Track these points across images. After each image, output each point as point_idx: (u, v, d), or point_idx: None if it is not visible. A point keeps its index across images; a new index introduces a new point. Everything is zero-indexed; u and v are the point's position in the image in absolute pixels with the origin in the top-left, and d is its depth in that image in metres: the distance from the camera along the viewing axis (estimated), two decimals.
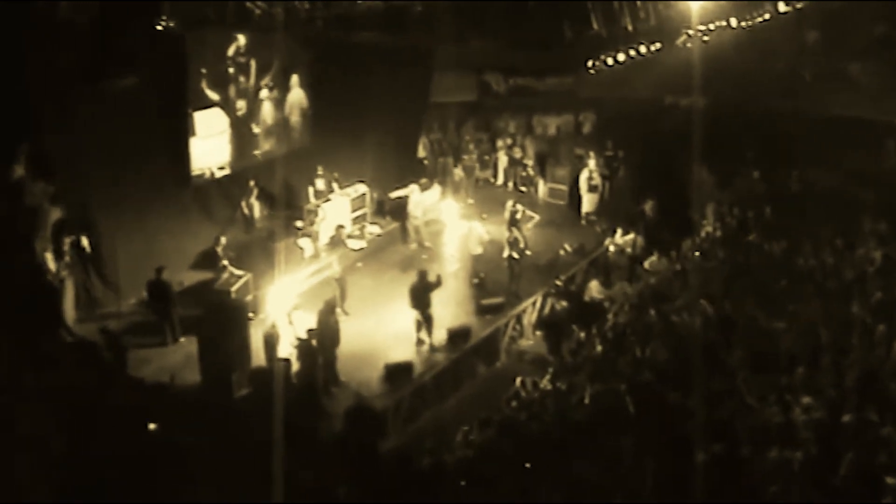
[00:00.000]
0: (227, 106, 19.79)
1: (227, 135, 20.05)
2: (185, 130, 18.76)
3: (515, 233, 19.84)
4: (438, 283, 17.37)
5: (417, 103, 24.91)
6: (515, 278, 19.62)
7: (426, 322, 17.34)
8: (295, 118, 22.01)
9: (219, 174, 20.01)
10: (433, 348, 17.36)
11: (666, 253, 19.76)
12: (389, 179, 23.78)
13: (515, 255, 19.52)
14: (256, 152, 21.04)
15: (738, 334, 14.34)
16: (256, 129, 20.92)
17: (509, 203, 22.06)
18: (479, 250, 20.20)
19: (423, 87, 24.87)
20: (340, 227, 19.59)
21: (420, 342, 17.46)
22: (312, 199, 21.52)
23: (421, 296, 17.18)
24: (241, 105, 20.29)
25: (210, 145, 19.56)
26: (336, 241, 20.05)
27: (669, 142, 23.67)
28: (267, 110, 21.04)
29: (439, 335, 17.49)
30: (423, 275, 17.32)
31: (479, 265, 20.28)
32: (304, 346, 15.60)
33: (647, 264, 19.36)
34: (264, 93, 20.77)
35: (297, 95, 21.79)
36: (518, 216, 21.61)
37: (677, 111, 26.08)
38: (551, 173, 26.11)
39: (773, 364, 13.30)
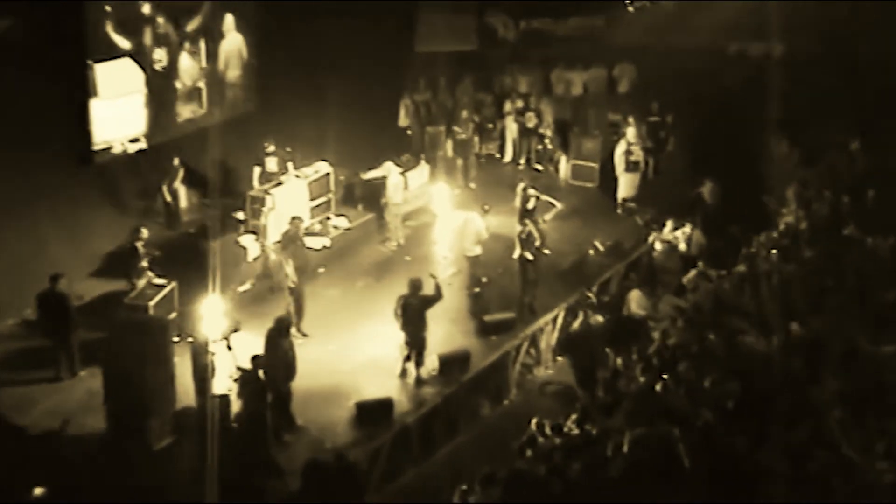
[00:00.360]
0: (141, 56, 19.70)
1: (141, 96, 19.94)
2: (83, 89, 18.70)
3: (529, 226, 19.78)
4: (439, 296, 17.38)
5: (397, 54, 24.93)
6: (530, 286, 19.59)
7: (417, 348, 17.35)
8: (233, 74, 22.01)
9: (131, 148, 19.94)
10: (420, 381, 17.37)
11: (731, 252, 19.77)
12: (361, 156, 23.84)
13: (529, 256, 19.48)
14: (182, 119, 20.97)
15: (830, 362, 14.28)
16: (181, 88, 20.86)
17: (521, 186, 22.04)
18: (475, 251, 20.17)
19: (405, 32, 24.85)
20: (296, 219, 19.53)
21: (404, 373, 17.45)
22: (258, 184, 21.56)
23: (416, 314, 17.18)
24: (161, 55, 20.19)
25: (118, 110, 19.51)
26: (290, 239, 19.94)
27: (735, 103, 23.72)
28: (194, 63, 21.00)
29: (429, 363, 17.49)
30: (417, 285, 17.26)
31: (480, 270, 20.37)
32: (247, 379, 15.51)
33: (685, 280, 19.29)
34: (191, 40, 20.78)
35: (233, 43, 21.79)
36: (532, 204, 21.56)
37: (746, 62, 26.14)
38: (577, 147, 26.17)
39: (881, 403, 13.28)
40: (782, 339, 15.03)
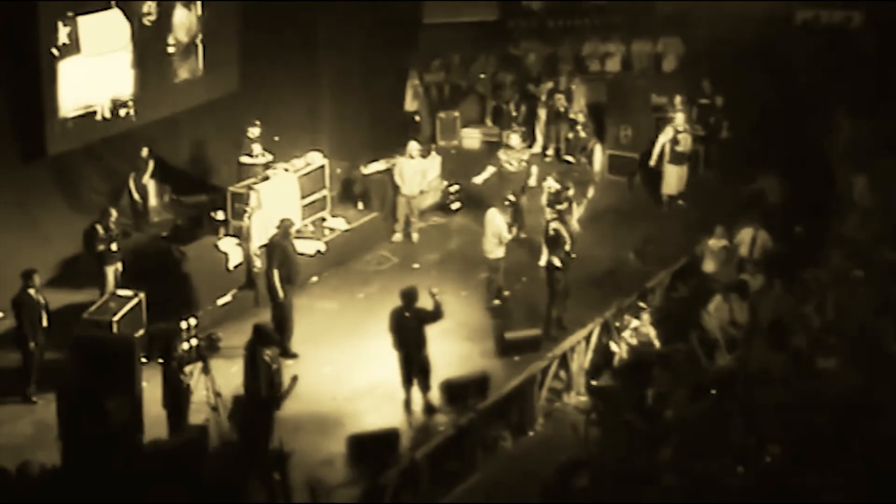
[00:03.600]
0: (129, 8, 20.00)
1: (128, 53, 20.27)
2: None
3: (558, 226, 19.64)
4: (438, 315, 17.18)
5: (403, 26, 24.88)
6: (558, 298, 19.46)
7: (420, 370, 17.22)
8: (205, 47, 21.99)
9: (120, 112, 20.23)
10: (430, 409, 17.31)
11: (797, 258, 19.66)
12: (361, 146, 23.87)
13: (558, 262, 19.37)
14: (178, 80, 21.44)
15: None
16: (174, 45, 21.14)
17: (549, 180, 21.92)
18: (497, 253, 20.09)
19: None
20: (285, 221, 19.47)
21: (409, 401, 17.35)
22: (241, 178, 21.51)
23: (410, 330, 17.02)
24: (150, 7, 20.37)
25: (102, 68, 19.78)
26: (278, 245, 19.89)
27: (804, 83, 23.70)
28: (190, 16, 21.30)
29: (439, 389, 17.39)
30: (410, 296, 17.10)
31: (502, 276, 20.35)
32: (228, 407, 15.40)
33: (711, 307, 19.21)
34: None
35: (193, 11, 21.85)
36: (562, 201, 21.42)
37: (817, 33, 26.09)
38: (614, 134, 26.16)
39: None
40: (859, 364, 14.95)
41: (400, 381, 17.38)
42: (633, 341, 18.09)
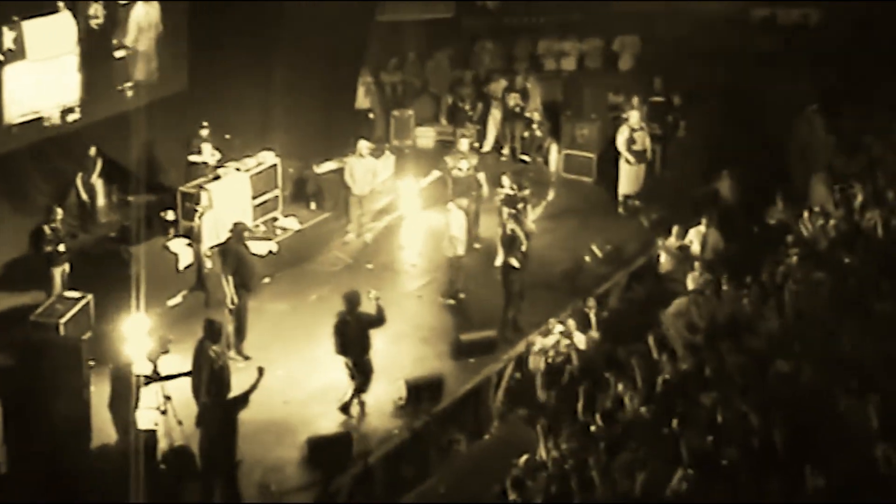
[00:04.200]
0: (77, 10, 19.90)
1: (74, 57, 20.13)
2: None
3: (514, 227, 19.65)
4: (380, 320, 17.12)
5: (355, 23, 24.82)
6: (514, 299, 19.50)
7: (361, 375, 17.15)
8: (150, 44, 21.86)
9: (68, 118, 20.07)
10: (363, 415, 17.31)
11: (752, 259, 19.70)
12: (313, 144, 23.91)
13: (514, 263, 19.38)
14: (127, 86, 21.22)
15: (875, 389, 14.20)
16: (123, 48, 21.05)
17: (504, 180, 21.93)
18: (457, 251, 20.14)
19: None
20: (238, 225, 19.40)
21: (362, 405, 17.35)
22: (191, 178, 21.48)
23: (353, 335, 16.96)
24: (97, 10, 20.27)
25: (48, 74, 19.64)
26: (231, 250, 19.82)
27: (760, 81, 23.78)
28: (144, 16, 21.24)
29: (397, 390, 17.41)
30: (353, 301, 17.03)
31: (457, 278, 20.43)
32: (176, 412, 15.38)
33: (689, 280, 19.27)
34: None
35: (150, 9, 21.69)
36: (518, 201, 21.41)
37: (775, 31, 26.28)
38: (570, 133, 26.16)
39: None
40: (817, 367, 14.94)
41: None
42: (550, 352, 18.08)
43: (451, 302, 20.13)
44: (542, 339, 18.06)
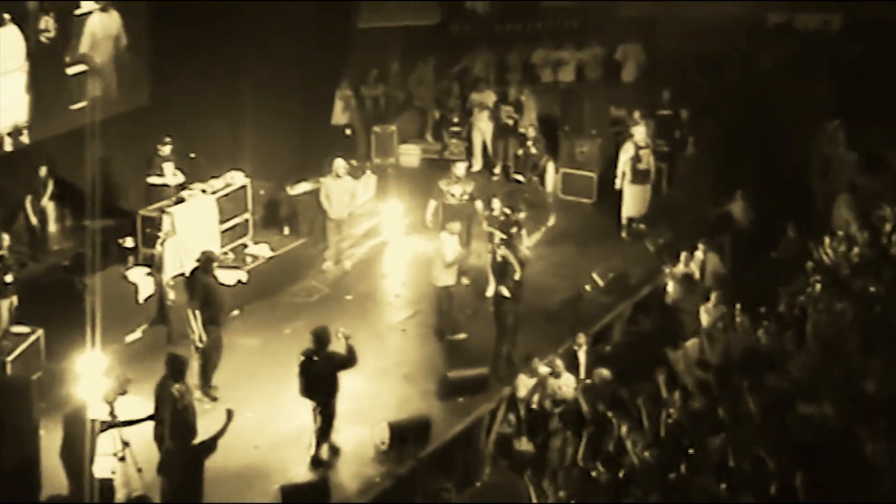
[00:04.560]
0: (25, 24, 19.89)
1: (23, 74, 20.09)
2: None
3: (505, 253, 19.61)
4: (351, 360, 16.98)
5: (334, 31, 24.86)
6: (507, 332, 19.47)
7: (324, 420, 16.97)
8: (108, 57, 21.87)
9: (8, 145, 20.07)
10: (318, 462, 17.06)
11: (769, 287, 19.70)
12: (286, 164, 23.92)
13: (505, 293, 19.36)
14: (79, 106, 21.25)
15: None
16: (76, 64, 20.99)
17: (495, 203, 21.94)
18: (447, 280, 20.12)
19: (347, 2, 24.91)
20: (207, 252, 19.35)
21: (335, 450, 17.21)
22: (153, 200, 21.37)
23: (320, 376, 16.82)
24: (48, 23, 20.28)
25: None
26: (198, 282, 19.77)
27: (776, 93, 23.88)
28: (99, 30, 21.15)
29: (379, 433, 17.34)
30: (322, 338, 16.87)
31: (450, 309, 20.43)
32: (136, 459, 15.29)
33: (703, 312, 19.25)
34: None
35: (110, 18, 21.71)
36: (511, 225, 21.40)
37: (791, 38, 26.43)
38: (568, 150, 26.28)
39: None
40: (839, 406, 14.93)
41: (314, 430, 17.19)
42: (534, 396, 18.03)
43: (460, 337, 20.19)
44: (525, 381, 18.01)
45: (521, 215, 21.60)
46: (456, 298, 20.47)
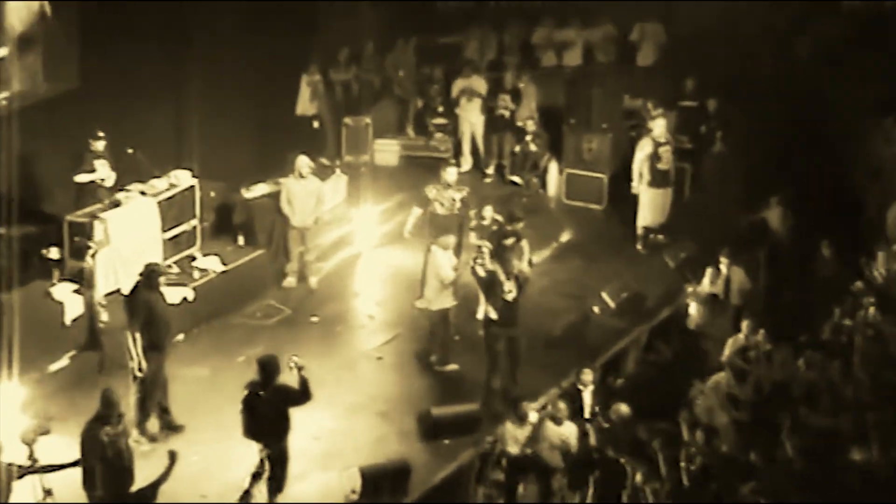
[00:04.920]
0: None
1: None
2: None
3: (494, 267, 19.55)
4: (304, 396, 16.82)
5: (299, 6, 24.90)
6: (499, 362, 19.40)
7: (275, 468, 16.76)
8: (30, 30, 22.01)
9: None
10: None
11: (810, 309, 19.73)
12: (241, 161, 24.07)
13: (493, 315, 19.29)
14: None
15: None
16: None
17: (487, 210, 21.91)
18: (443, 302, 20.20)
19: None
20: (151, 265, 19.27)
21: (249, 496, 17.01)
22: (82, 204, 21.34)
23: (264, 414, 16.68)
24: None
25: None
26: (140, 300, 19.72)
27: (821, 80, 23.94)
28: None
29: (350, 480, 17.18)
30: (269, 369, 16.74)
31: (446, 336, 20.45)
32: None
33: (732, 339, 19.22)
34: None
35: None
36: (506, 236, 21.29)
37: (839, 17, 26.49)
38: (574, 147, 26.32)
39: None
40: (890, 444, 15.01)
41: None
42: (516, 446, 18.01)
43: (450, 368, 20.17)
44: (513, 432, 17.92)
45: (520, 225, 21.45)
46: (453, 324, 20.43)
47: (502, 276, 19.16)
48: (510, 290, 19.12)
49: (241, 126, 24.05)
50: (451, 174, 22.06)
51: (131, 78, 22.29)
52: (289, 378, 16.39)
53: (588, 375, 18.65)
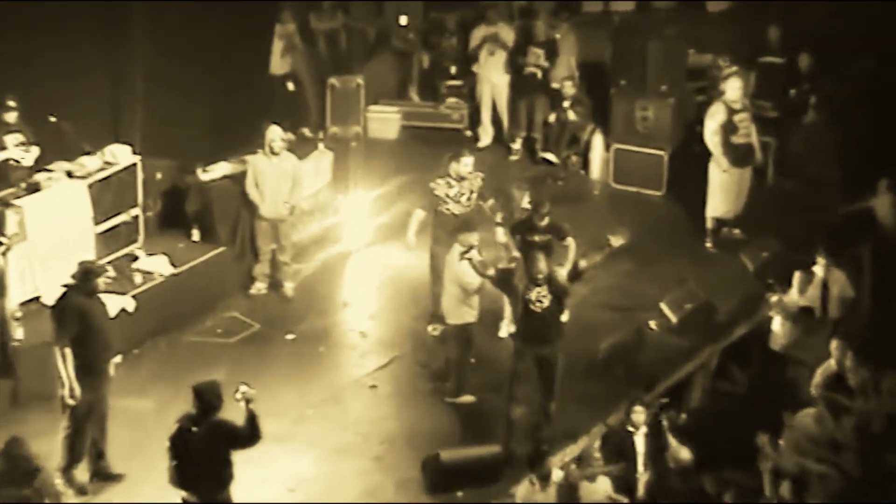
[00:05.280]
0: None
1: None
2: None
3: (538, 275, 19.63)
4: (250, 436, 16.79)
5: None
6: (522, 389, 19.44)
7: None
8: None
9: None
10: None
11: None
12: (195, 134, 24.25)
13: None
14: None
15: None
16: None
17: (519, 194, 21.97)
18: (465, 316, 20.19)
19: None
20: (87, 264, 19.32)
21: None
22: None
23: (197, 456, 16.63)
24: None
25: None
26: (72, 307, 19.79)
27: None
28: None
29: None
30: (206, 397, 16.69)
31: (463, 359, 20.43)
32: None
33: (820, 371, 19.28)
34: None
35: None
36: (536, 227, 21.34)
37: None
38: (625, 116, 26.50)
39: None
40: None
41: None
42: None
43: (465, 400, 20.19)
44: (531, 494, 18.12)
45: (544, 219, 21.18)
46: (472, 344, 20.35)
47: (542, 290, 19.15)
48: (538, 298, 19.17)
49: (197, 89, 24.05)
50: (465, 164, 21.72)
51: (53, 29, 22.32)
52: (235, 412, 16.20)
53: (640, 414, 18.61)
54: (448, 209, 21.51)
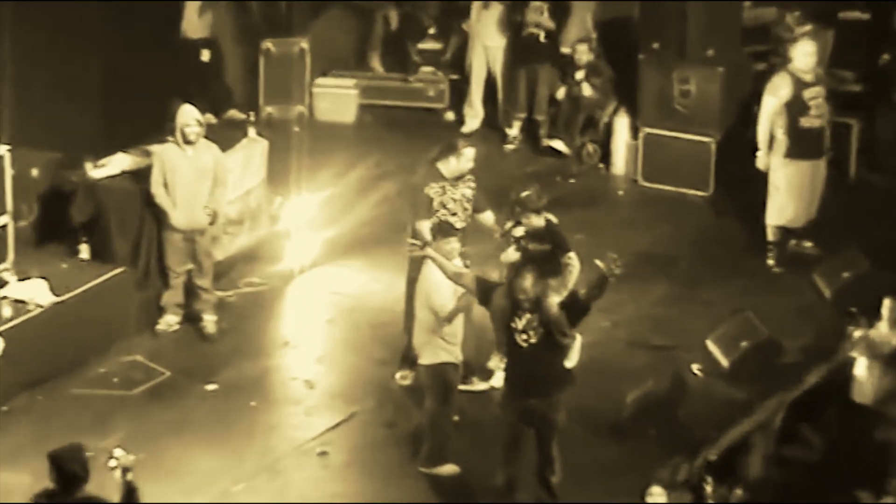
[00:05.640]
0: None
1: None
2: None
3: (546, 300, 19.39)
4: None
5: None
6: (509, 453, 19.28)
7: None
8: None
9: None
10: None
11: None
12: (82, 121, 24.29)
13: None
14: None
15: None
16: None
17: (526, 195, 21.79)
18: (441, 356, 19.84)
19: None
20: None
21: None
22: None
23: None
24: None
25: None
26: None
27: None
28: None
29: None
30: (67, 466, 16.59)
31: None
32: None
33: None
34: None
35: None
36: (528, 235, 21.20)
37: None
38: (658, 91, 26.48)
39: None
40: None
41: None
42: None
43: (446, 471, 19.86)
44: None
45: (540, 218, 21.15)
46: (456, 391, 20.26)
47: (558, 314, 18.85)
48: (525, 328, 18.72)
49: (84, 61, 24.00)
50: (467, 159, 21.40)
51: None
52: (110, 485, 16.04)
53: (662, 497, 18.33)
54: (441, 220, 21.10)
